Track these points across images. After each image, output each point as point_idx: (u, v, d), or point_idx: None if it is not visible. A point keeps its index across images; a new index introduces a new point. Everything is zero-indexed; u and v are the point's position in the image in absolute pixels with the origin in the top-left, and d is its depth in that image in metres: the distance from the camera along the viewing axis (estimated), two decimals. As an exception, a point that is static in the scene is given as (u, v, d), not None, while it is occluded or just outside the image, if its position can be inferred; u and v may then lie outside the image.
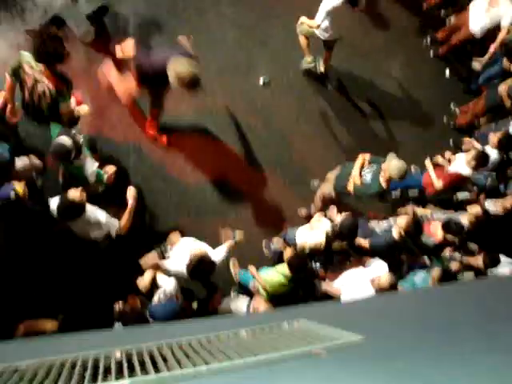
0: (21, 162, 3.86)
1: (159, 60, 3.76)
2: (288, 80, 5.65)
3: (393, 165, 4.01)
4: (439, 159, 5.21)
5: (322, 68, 5.57)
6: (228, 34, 5.54)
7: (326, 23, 4.79)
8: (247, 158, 5.27)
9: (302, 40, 5.31)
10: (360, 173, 4.27)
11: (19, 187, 3.36)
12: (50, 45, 3.44)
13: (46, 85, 3.62)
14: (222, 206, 4.99)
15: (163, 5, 5.35)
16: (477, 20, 5.57)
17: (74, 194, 3.41)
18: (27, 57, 3.56)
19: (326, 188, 4.71)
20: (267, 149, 5.33)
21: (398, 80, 6.14)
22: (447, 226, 4.59)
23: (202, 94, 4.80)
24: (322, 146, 5.55)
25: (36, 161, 4.02)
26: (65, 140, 3.49)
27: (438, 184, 4.84)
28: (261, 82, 5.54)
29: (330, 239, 4.20)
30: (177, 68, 3.63)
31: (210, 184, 5.03)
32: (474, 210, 4.84)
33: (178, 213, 4.82)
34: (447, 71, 6.39)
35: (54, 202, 3.56)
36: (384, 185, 4.12)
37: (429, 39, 6.42)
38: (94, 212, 3.72)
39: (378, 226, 4.68)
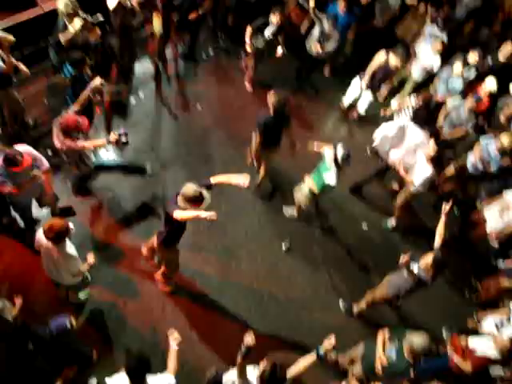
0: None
1: None
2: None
3: (415, 342, 3.91)
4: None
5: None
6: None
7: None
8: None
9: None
10: (383, 351, 4.17)
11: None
12: None
13: None
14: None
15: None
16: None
17: None
18: None
19: (356, 370, 4.50)
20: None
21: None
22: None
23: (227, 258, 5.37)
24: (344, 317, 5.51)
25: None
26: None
27: (467, 367, 4.59)
28: (283, 248, 5.90)
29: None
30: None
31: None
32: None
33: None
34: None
35: None
36: (411, 361, 3.96)
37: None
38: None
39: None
